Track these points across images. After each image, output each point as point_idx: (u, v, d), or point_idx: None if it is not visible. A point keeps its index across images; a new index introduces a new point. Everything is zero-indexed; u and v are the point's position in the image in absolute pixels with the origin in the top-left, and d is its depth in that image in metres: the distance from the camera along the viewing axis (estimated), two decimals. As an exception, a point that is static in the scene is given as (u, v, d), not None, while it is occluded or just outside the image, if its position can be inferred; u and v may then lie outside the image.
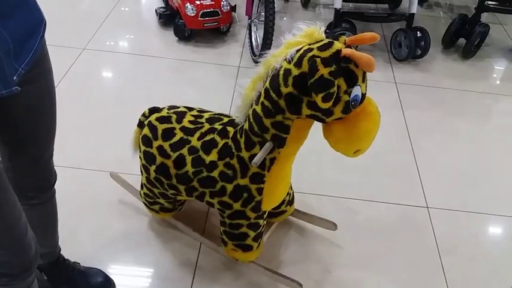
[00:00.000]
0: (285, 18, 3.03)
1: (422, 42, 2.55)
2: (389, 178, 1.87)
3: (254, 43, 2.53)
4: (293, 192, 1.54)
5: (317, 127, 1.08)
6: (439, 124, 2.21)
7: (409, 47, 2.52)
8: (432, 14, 3.25)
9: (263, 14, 2.34)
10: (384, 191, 1.81)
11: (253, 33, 2.55)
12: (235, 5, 2.74)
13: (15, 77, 0.77)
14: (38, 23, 0.85)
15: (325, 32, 1.01)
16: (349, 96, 0.96)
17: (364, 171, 1.88)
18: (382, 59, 2.65)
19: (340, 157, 1.08)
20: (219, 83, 2.35)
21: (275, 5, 2.28)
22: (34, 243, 0.94)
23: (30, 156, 0.99)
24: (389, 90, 2.40)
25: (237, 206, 1.25)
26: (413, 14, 2.52)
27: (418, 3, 2.56)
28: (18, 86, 0.78)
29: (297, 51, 0.98)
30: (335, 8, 2.50)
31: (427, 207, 1.75)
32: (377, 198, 1.77)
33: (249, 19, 2.62)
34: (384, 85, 2.44)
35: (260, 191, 1.23)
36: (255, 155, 1.13)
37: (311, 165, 1.86)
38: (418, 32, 2.55)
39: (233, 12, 2.71)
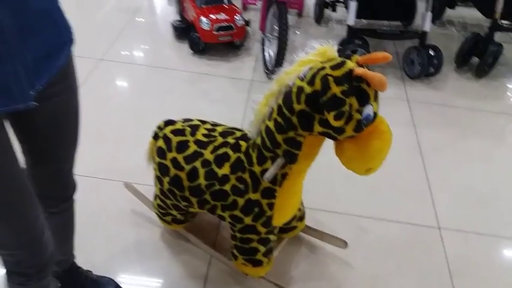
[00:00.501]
0: (298, 33, 3.07)
1: (435, 60, 2.56)
2: (400, 196, 1.87)
3: (267, 57, 2.56)
4: (304, 208, 1.54)
5: (329, 143, 1.09)
6: (452, 143, 2.20)
7: (422, 64, 2.53)
8: (445, 32, 3.26)
9: (277, 28, 2.37)
10: (396, 210, 1.80)
11: (266, 48, 2.58)
12: (250, 19, 2.79)
13: (32, 92, 0.79)
14: (64, 42, 0.87)
15: (338, 49, 1.02)
16: (361, 115, 0.97)
17: (376, 188, 1.87)
18: (394, 76, 2.66)
19: (352, 174, 1.08)
20: (232, 96, 2.38)
21: (288, 21, 2.31)
22: (50, 244, 0.96)
23: (51, 167, 1.01)
24: (402, 108, 2.41)
25: (248, 220, 1.26)
26: (426, 32, 2.54)
27: (431, 21, 2.57)
28: (40, 100, 0.80)
29: (310, 69, 0.99)
30: (348, 25, 2.53)
31: (439, 228, 1.74)
32: (388, 217, 1.76)
33: (262, 34, 2.66)
34: (396, 102, 2.44)
35: (271, 206, 1.24)
36: (267, 169, 1.14)
37: (323, 181, 1.86)
38: (431, 50, 2.56)
39: (247, 27, 2.75)
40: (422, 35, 2.55)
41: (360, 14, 2.53)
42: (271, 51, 2.54)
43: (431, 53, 2.56)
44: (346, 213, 1.76)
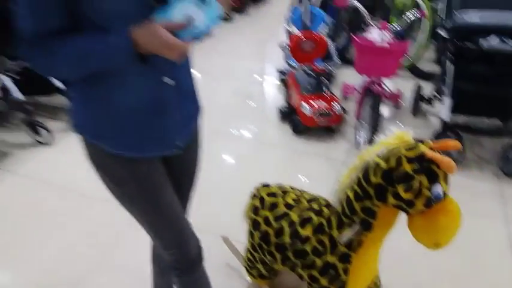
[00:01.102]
0: (397, 122, 3.23)
1: (535, 160, 2.50)
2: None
3: (360, 142, 2.75)
4: (381, 286, 1.58)
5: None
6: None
7: (519, 163, 2.49)
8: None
9: (371, 117, 2.58)
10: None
11: (360, 133, 2.79)
12: (347, 108, 3.05)
13: (178, 143, 1.13)
14: (198, 110, 1.23)
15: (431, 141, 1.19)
16: (430, 192, 1.11)
17: (460, 279, 1.83)
18: (490, 171, 2.63)
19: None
20: (324, 174, 2.58)
21: (381, 111, 2.52)
22: (194, 247, 1.25)
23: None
24: (495, 204, 2.34)
25: (324, 281, 1.39)
26: (525, 131, 2.52)
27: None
28: (178, 150, 1.14)
29: (387, 149, 1.18)
30: (442, 120, 2.61)
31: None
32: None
33: (357, 120, 2.89)
34: (489, 198, 2.39)
35: (346, 271, 1.36)
36: (345, 235, 1.30)
37: (405, 264, 1.87)
38: (530, 150, 2.51)
39: (344, 114, 3.01)
40: (520, 134, 2.54)
41: (455, 109, 2.59)
42: (364, 137, 2.73)
43: (530, 152, 2.51)
44: (425, 299, 1.76)
